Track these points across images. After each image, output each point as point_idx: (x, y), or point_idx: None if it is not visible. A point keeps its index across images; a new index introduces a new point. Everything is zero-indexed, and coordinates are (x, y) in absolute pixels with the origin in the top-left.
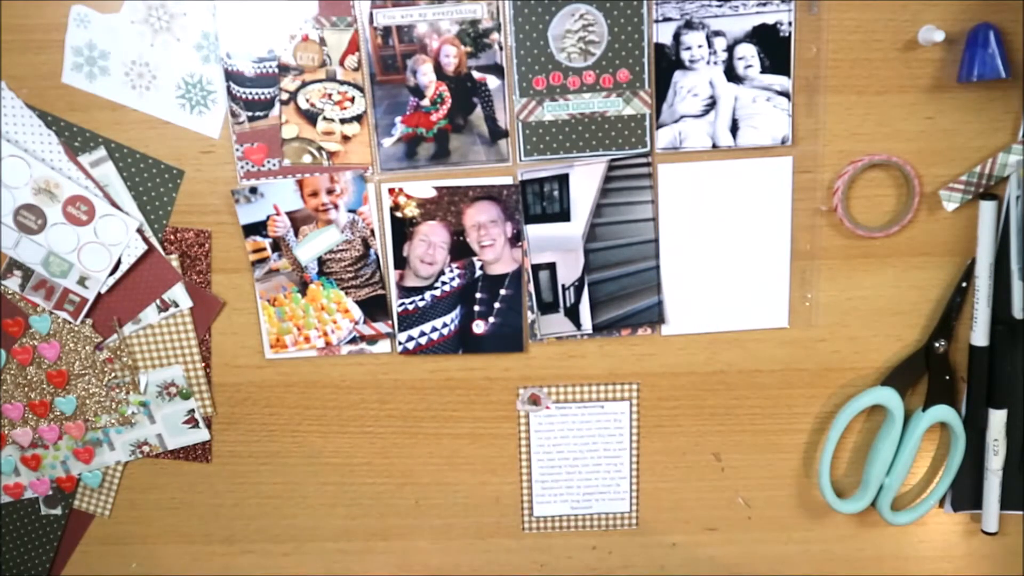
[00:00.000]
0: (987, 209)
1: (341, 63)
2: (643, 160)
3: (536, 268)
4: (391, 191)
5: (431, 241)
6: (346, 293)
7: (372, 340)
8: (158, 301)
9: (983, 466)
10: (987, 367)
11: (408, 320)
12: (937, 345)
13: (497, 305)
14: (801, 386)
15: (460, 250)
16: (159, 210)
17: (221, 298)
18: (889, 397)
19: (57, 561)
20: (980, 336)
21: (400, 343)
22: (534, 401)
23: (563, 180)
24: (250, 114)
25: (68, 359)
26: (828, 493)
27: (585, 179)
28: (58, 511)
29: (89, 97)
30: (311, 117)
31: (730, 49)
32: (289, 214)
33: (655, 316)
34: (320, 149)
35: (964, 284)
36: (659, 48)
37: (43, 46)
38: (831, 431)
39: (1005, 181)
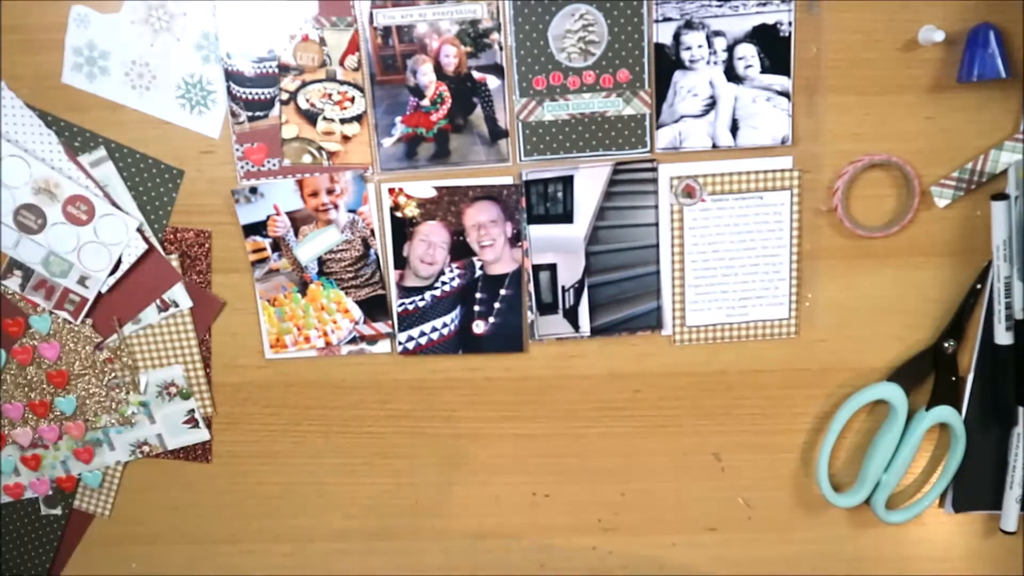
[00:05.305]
0: (999, 209)
1: (341, 63)
2: (648, 165)
3: (537, 269)
4: (391, 191)
5: (431, 241)
6: (346, 293)
7: (372, 340)
8: (158, 301)
9: (993, 466)
10: (1014, 366)
11: (408, 320)
12: (946, 345)
13: (497, 305)
14: (801, 386)
15: (460, 250)
16: (159, 210)
17: (221, 298)
18: (894, 393)
19: (57, 561)
20: (1004, 335)
21: (400, 343)
22: (688, 193)
23: (567, 181)
24: (250, 114)
25: (68, 359)
26: (824, 486)
27: (589, 181)
28: (58, 511)
29: (89, 97)
30: (311, 117)
31: (730, 49)
32: (289, 214)
33: (653, 321)
34: (320, 149)
35: (979, 286)
36: (659, 48)
37: (43, 46)
38: (833, 423)
39: (998, 177)
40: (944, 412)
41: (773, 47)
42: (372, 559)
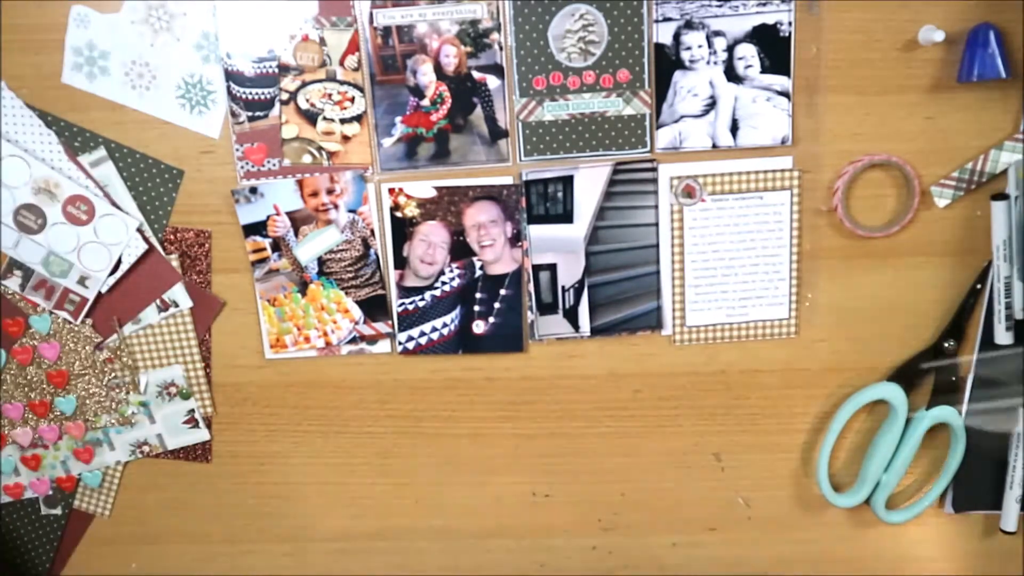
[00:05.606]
0: (999, 209)
1: (341, 63)
2: (648, 165)
3: (537, 269)
4: (391, 191)
5: (431, 241)
6: (346, 293)
7: (372, 340)
8: (158, 301)
9: (993, 466)
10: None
11: (408, 320)
12: (946, 345)
13: (497, 305)
14: (801, 386)
15: (460, 250)
16: (159, 210)
17: (221, 298)
18: (894, 393)
19: (57, 561)
20: (1004, 335)
21: (400, 343)
22: (688, 193)
23: (567, 181)
24: (250, 114)
25: (68, 359)
26: (824, 486)
27: (589, 181)
28: (58, 511)
29: (89, 97)
30: (311, 117)
31: (730, 49)
32: (289, 214)
33: (653, 321)
34: (320, 149)
35: (979, 286)
36: (659, 48)
37: (43, 46)
38: (833, 423)
39: (998, 177)
40: (944, 412)
41: (773, 47)
42: (372, 559)
